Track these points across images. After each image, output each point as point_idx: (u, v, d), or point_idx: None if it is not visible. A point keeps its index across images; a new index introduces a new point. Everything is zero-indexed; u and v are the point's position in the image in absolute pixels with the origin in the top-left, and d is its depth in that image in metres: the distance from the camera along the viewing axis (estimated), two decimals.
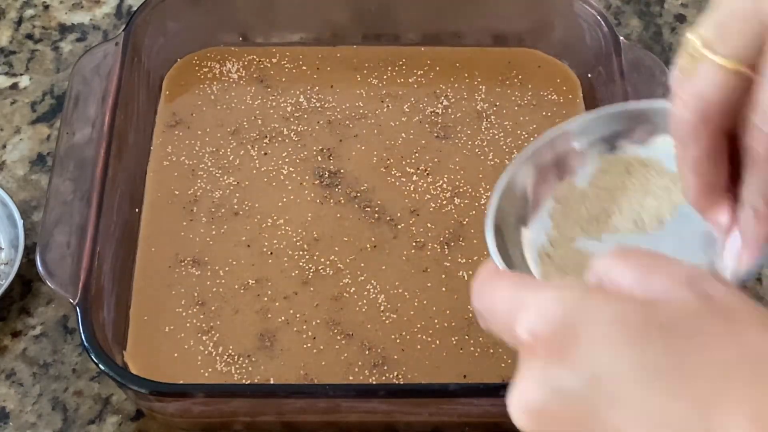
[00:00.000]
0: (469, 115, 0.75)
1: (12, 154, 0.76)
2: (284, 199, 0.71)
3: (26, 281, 0.70)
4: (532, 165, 0.54)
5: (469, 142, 0.74)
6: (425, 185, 0.71)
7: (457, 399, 0.59)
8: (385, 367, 0.64)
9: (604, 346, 0.36)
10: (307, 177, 0.72)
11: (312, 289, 0.67)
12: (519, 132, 0.74)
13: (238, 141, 0.74)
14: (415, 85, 0.77)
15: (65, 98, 0.68)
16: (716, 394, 0.34)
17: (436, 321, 0.65)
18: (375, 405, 0.61)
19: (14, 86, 0.80)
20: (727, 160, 0.45)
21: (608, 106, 0.55)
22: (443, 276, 0.67)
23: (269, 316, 0.66)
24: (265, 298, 0.66)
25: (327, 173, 0.72)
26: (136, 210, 0.70)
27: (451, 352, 0.64)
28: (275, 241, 0.69)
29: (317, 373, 0.63)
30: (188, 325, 0.65)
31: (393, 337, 0.65)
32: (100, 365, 0.58)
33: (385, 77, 0.77)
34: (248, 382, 0.63)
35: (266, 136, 0.74)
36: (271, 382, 0.63)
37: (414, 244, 0.69)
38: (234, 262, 0.68)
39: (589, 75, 0.75)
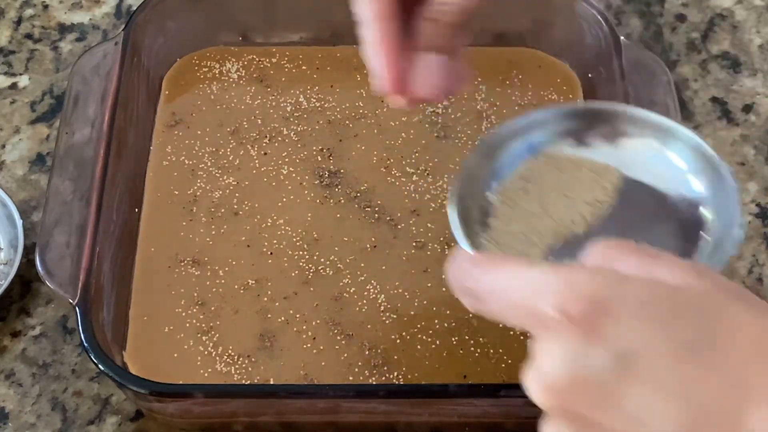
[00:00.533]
0: (469, 115, 0.75)
1: (11, 154, 0.76)
2: (284, 199, 0.71)
3: (26, 281, 0.70)
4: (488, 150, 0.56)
5: (469, 142, 0.73)
6: (425, 185, 0.71)
7: (457, 399, 0.59)
8: (385, 368, 0.64)
9: (639, 323, 0.36)
10: (307, 177, 0.72)
11: (312, 289, 0.67)
12: None
13: (238, 141, 0.74)
14: None
15: (65, 98, 0.68)
16: (751, 367, 0.35)
17: (436, 321, 0.65)
18: (375, 405, 0.61)
19: (13, 86, 0.80)
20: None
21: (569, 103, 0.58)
22: (443, 276, 0.67)
23: (269, 316, 0.66)
24: (265, 298, 0.66)
25: (327, 173, 0.72)
26: (136, 210, 0.70)
27: (452, 352, 0.64)
28: (275, 241, 0.69)
29: (317, 374, 0.63)
30: (188, 325, 0.65)
31: (393, 337, 0.65)
32: (100, 365, 0.58)
33: None
34: (248, 382, 0.63)
35: (266, 136, 0.74)
36: (271, 382, 0.63)
37: (414, 244, 0.69)
38: (234, 262, 0.68)
39: (590, 75, 0.75)
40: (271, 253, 0.68)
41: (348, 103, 0.75)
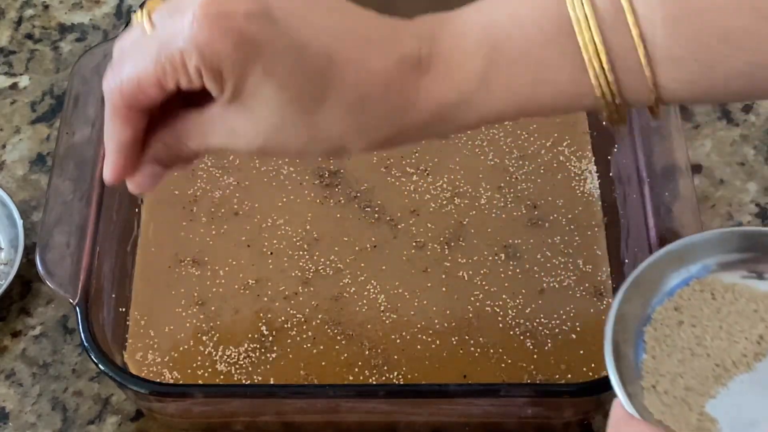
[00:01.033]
0: None
1: (12, 154, 0.76)
2: (284, 199, 0.71)
3: (26, 281, 0.70)
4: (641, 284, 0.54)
5: (469, 142, 0.73)
6: (425, 185, 0.71)
7: (457, 399, 0.59)
8: (385, 368, 0.64)
9: None
10: (307, 177, 0.72)
11: (312, 289, 0.67)
12: (519, 132, 0.74)
13: None
14: None
15: (65, 98, 0.68)
16: None
17: (436, 321, 0.65)
18: (375, 405, 0.61)
19: (14, 86, 0.80)
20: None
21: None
22: (443, 276, 0.67)
23: (269, 316, 0.66)
24: (265, 298, 0.66)
25: (327, 173, 0.72)
26: (136, 210, 0.70)
27: (451, 352, 0.64)
28: (275, 241, 0.69)
29: (317, 373, 0.63)
30: (188, 325, 0.65)
31: (393, 337, 0.65)
32: (100, 365, 0.58)
33: None
34: (248, 382, 0.63)
35: None
36: (271, 382, 0.63)
37: (414, 244, 0.69)
38: (234, 262, 0.68)
39: None
40: (271, 253, 0.68)
41: None
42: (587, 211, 0.70)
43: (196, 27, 0.43)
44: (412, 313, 0.66)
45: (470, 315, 0.66)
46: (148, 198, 0.71)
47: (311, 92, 0.45)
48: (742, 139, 0.77)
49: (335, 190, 0.71)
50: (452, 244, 0.69)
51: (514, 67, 0.46)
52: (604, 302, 0.66)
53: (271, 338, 0.65)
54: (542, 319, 0.65)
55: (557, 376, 0.63)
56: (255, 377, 0.63)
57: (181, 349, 0.64)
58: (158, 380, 0.63)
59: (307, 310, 0.66)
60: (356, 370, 0.63)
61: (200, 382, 0.63)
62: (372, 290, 0.67)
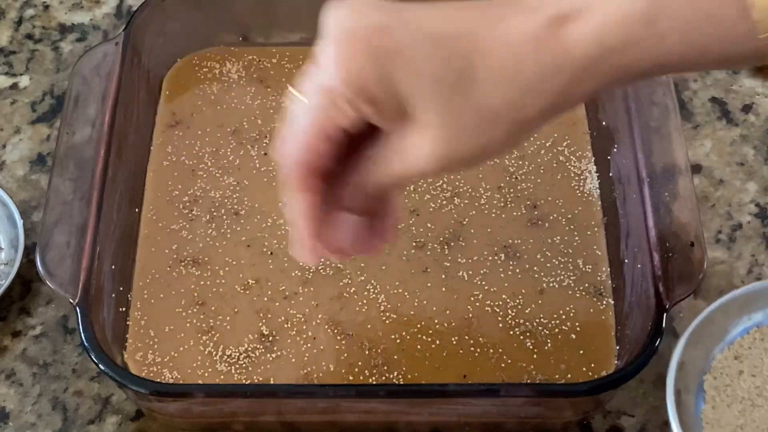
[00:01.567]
0: None
1: (12, 154, 0.76)
2: (284, 199, 0.71)
3: (26, 281, 0.70)
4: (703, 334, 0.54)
5: None
6: (425, 185, 0.71)
7: (457, 399, 0.59)
8: (385, 367, 0.64)
9: None
10: None
11: (312, 289, 0.67)
12: None
13: (238, 141, 0.74)
14: None
15: (65, 98, 0.68)
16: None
17: (436, 321, 0.65)
18: (375, 405, 0.61)
19: (14, 86, 0.80)
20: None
21: None
22: (443, 276, 0.67)
23: (269, 316, 0.66)
24: (265, 298, 0.66)
25: None
26: (136, 210, 0.70)
27: (451, 352, 0.64)
28: (275, 241, 0.69)
29: (317, 373, 0.63)
30: (188, 325, 0.65)
31: (393, 337, 0.65)
32: (100, 365, 0.58)
33: None
34: (248, 382, 0.63)
35: (266, 136, 0.74)
36: (271, 382, 0.63)
37: (414, 244, 0.69)
38: (234, 262, 0.68)
39: None
40: (271, 253, 0.68)
41: None
42: (587, 211, 0.70)
43: (332, 66, 0.44)
44: (412, 313, 0.66)
45: (470, 315, 0.66)
46: (148, 198, 0.71)
47: (464, 73, 0.43)
48: (741, 139, 0.77)
49: None
50: (452, 244, 0.69)
51: (678, 3, 0.43)
52: (604, 302, 0.66)
53: (271, 338, 0.65)
54: (542, 319, 0.65)
55: (557, 376, 0.63)
56: (255, 377, 0.63)
57: (181, 348, 0.64)
58: (158, 380, 0.63)
59: (307, 310, 0.66)
60: (356, 370, 0.64)
61: (200, 381, 0.63)
62: (372, 290, 0.67)
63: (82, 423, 0.64)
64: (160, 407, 0.62)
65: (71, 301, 0.60)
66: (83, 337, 0.59)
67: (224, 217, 0.70)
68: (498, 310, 0.66)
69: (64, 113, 0.68)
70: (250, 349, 0.64)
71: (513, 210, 0.70)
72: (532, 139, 0.74)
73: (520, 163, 0.73)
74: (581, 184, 0.72)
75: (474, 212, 0.70)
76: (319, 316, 0.66)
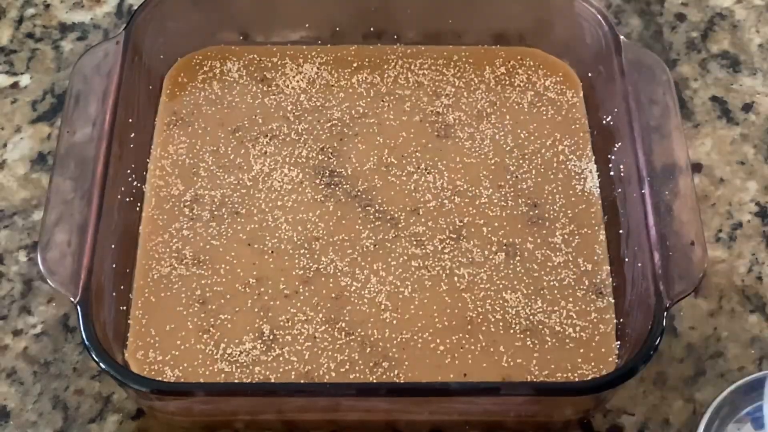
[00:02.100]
0: (469, 114, 0.75)
1: (13, 153, 0.76)
2: (285, 198, 0.71)
3: (27, 280, 0.70)
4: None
5: (470, 141, 0.74)
6: (426, 184, 0.71)
7: (457, 398, 0.60)
8: (386, 366, 0.64)
9: None
10: (307, 176, 0.72)
11: (312, 288, 0.67)
12: (519, 131, 0.74)
13: (239, 140, 0.74)
14: (416, 85, 0.77)
15: (66, 97, 0.68)
16: None
17: (436, 320, 0.65)
18: (375, 403, 0.61)
19: (15, 85, 0.80)
20: None
21: None
22: (444, 275, 0.67)
23: (270, 314, 0.66)
24: (266, 297, 0.66)
25: (327, 172, 0.72)
26: (137, 209, 0.70)
27: (452, 350, 0.64)
28: (276, 241, 0.69)
29: (318, 372, 0.63)
30: (189, 323, 0.65)
31: (393, 335, 0.65)
32: (101, 364, 0.58)
33: (385, 76, 0.77)
34: (249, 380, 0.63)
35: (267, 135, 0.74)
36: (272, 380, 0.63)
37: (414, 242, 0.69)
38: (234, 261, 0.68)
39: (590, 74, 0.75)
40: (272, 252, 0.68)
41: (348, 102, 0.76)
42: (587, 210, 0.71)
43: None
44: (413, 311, 0.66)
45: (470, 314, 0.66)
46: (149, 197, 0.71)
47: None
48: (742, 138, 0.77)
49: (335, 190, 0.71)
50: (452, 243, 0.69)
51: None
52: (604, 301, 0.66)
53: (271, 337, 0.65)
54: (542, 318, 0.65)
55: (557, 375, 0.63)
56: (256, 376, 0.63)
57: (182, 347, 0.64)
58: (159, 379, 0.63)
59: (308, 309, 0.66)
60: (356, 368, 0.64)
61: (201, 380, 0.63)
62: (372, 289, 0.67)
63: (83, 422, 0.65)
64: (160, 406, 0.62)
65: (72, 299, 0.60)
66: (84, 336, 0.59)
67: (225, 216, 0.70)
68: (498, 309, 0.66)
69: (65, 112, 0.68)
70: (250, 347, 0.64)
71: (513, 209, 0.70)
72: (532, 138, 0.74)
73: (520, 162, 0.73)
74: (581, 183, 0.72)
75: (474, 211, 0.70)
76: (320, 315, 0.66)
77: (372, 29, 0.78)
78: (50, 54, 0.82)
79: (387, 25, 0.78)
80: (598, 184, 0.71)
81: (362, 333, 0.65)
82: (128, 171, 0.70)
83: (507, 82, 0.77)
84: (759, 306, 0.70)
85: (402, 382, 0.63)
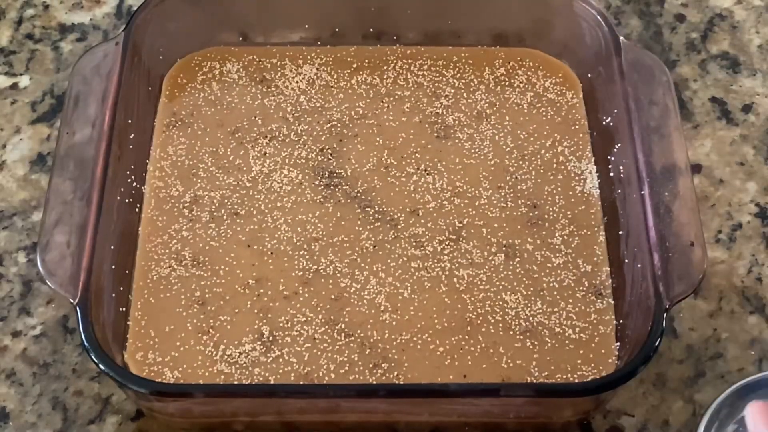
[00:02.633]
0: (469, 115, 0.75)
1: (12, 154, 0.76)
2: (284, 199, 0.71)
3: (26, 281, 0.70)
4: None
5: (469, 142, 0.74)
6: (425, 185, 0.71)
7: (457, 399, 0.60)
8: (385, 367, 0.64)
9: None
10: (307, 177, 0.72)
11: (312, 289, 0.67)
12: (519, 132, 0.74)
13: (238, 141, 0.74)
14: (415, 85, 0.77)
15: (65, 98, 0.68)
16: None
17: (436, 321, 0.65)
18: (375, 405, 0.61)
19: (14, 86, 0.80)
20: None
21: None
22: (443, 276, 0.67)
23: (269, 316, 0.66)
24: (265, 298, 0.66)
25: (327, 173, 0.72)
26: (136, 210, 0.70)
27: (451, 351, 0.64)
28: (275, 241, 0.69)
29: (317, 373, 0.63)
30: (188, 324, 0.65)
31: (393, 337, 0.65)
32: (100, 365, 0.58)
33: (385, 77, 0.77)
34: (248, 382, 0.63)
35: (266, 136, 0.74)
36: (272, 381, 0.63)
37: (414, 244, 0.69)
38: (234, 262, 0.68)
39: (589, 75, 0.75)
40: (272, 253, 0.68)
41: (348, 103, 0.76)
42: (587, 211, 0.70)
43: None
44: (412, 313, 0.66)
45: (470, 315, 0.66)
46: (148, 198, 0.71)
47: None
48: (741, 138, 0.77)
49: (335, 190, 0.71)
50: (452, 244, 0.69)
51: None
52: (604, 302, 0.66)
53: (271, 338, 0.65)
54: (542, 319, 0.65)
55: (557, 376, 0.63)
56: (255, 377, 0.63)
57: (181, 348, 0.64)
58: (159, 380, 0.63)
59: (307, 310, 0.66)
60: (356, 370, 0.64)
61: (200, 381, 0.63)
62: (372, 290, 0.67)
63: (83, 423, 0.64)
64: (160, 407, 0.62)
65: (71, 300, 0.60)
66: (83, 337, 0.59)
67: (224, 217, 0.70)
68: (498, 310, 0.66)
69: (64, 113, 0.68)
70: (250, 348, 0.64)
71: (513, 210, 0.70)
72: (532, 139, 0.74)
73: (520, 163, 0.73)
74: (581, 184, 0.72)
75: (474, 212, 0.70)
76: (319, 316, 0.66)
77: (371, 30, 0.78)
78: (50, 55, 0.82)
79: (386, 25, 0.78)
80: (597, 185, 0.71)
81: (362, 334, 0.65)
82: (127, 172, 0.70)
83: (507, 83, 0.77)
84: (759, 307, 0.70)
85: (401, 383, 0.63)
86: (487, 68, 0.77)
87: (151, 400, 0.60)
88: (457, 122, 0.75)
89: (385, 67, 0.77)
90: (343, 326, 0.65)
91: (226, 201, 0.71)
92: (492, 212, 0.70)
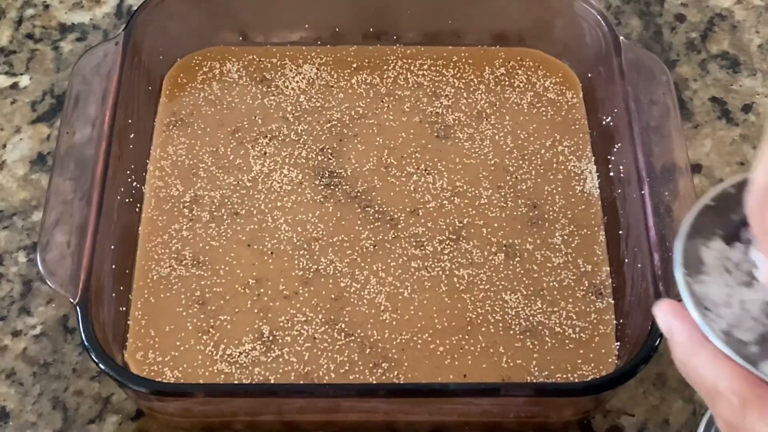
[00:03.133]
0: (469, 115, 0.75)
1: (12, 154, 0.76)
2: (284, 199, 0.71)
3: (26, 281, 0.70)
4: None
5: (469, 142, 0.74)
6: (425, 185, 0.71)
7: (457, 398, 0.60)
8: (385, 367, 0.64)
9: None
10: (307, 177, 0.72)
11: (312, 288, 0.67)
12: (519, 132, 0.74)
13: (238, 141, 0.74)
14: (415, 85, 0.77)
15: (65, 98, 0.68)
16: None
17: (436, 321, 0.65)
18: (375, 404, 0.61)
19: (14, 86, 0.80)
20: None
21: None
22: (443, 276, 0.67)
23: (269, 315, 0.66)
24: (265, 298, 0.66)
25: (327, 173, 0.72)
26: (136, 209, 0.70)
27: (451, 351, 0.64)
28: (275, 241, 0.69)
29: (317, 373, 0.63)
30: (188, 324, 0.65)
31: (393, 336, 0.65)
32: (100, 365, 0.58)
33: (385, 77, 0.77)
34: (248, 381, 0.63)
35: (266, 136, 0.74)
36: (272, 381, 0.63)
37: (414, 243, 0.69)
38: (234, 262, 0.68)
39: (589, 75, 0.75)
40: (272, 253, 0.68)
41: (348, 103, 0.76)
42: (587, 210, 0.71)
43: None
44: (412, 312, 0.66)
45: (470, 315, 0.66)
46: (148, 197, 0.71)
47: None
48: (741, 138, 0.77)
49: (335, 190, 0.71)
50: (452, 243, 0.69)
51: None
52: (604, 302, 0.66)
53: (271, 338, 0.65)
54: (542, 319, 0.65)
55: (557, 376, 0.63)
56: (255, 376, 0.63)
57: (181, 348, 0.64)
58: (159, 379, 0.63)
59: (307, 309, 0.66)
60: (356, 369, 0.64)
61: (201, 381, 0.63)
62: (372, 290, 0.67)
63: (83, 422, 0.64)
64: (160, 407, 0.62)
65: (71, 300, 0.60)
66: (83, 337, 0.59)
67: (224, 216, 0.70)
68: (498, 310, 0.66)
69: (65, 113, 0.68)
70: (250, 348, 0.64)
71: (513, 209, 0.70)
72: (532, 138, 0.74)
73: (520, 162, 0.73)
74: (581, 183, 0.72)
75: (474, 212, 0.70)
76: (319, 315, 0.66)
77: (371, 30, 0.78)
78: (50, 55, 0.82)
79: (387, 25, 0.78)
80: (597, 185, 0.71)
81: (362, 334, 0.65)
82: (128, 172, 0.70)
83: (507, 83, 0.77)
84: None
85: (401, 383, 0.63)
86: (487, 68, 0.77)
87: (152, 399, 0.60)
88: (457, 122, 0.75)
89: (385, 67, 0.77)
90: (343, 326, 0.65)
91: (226, 201, 0.71)
92: (492, 212, 0.70)
